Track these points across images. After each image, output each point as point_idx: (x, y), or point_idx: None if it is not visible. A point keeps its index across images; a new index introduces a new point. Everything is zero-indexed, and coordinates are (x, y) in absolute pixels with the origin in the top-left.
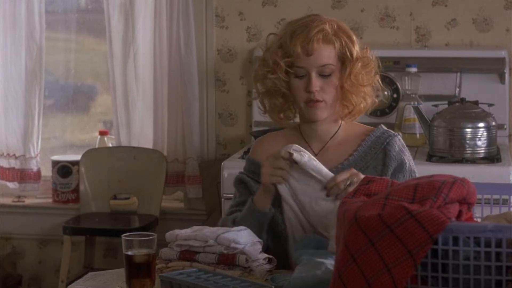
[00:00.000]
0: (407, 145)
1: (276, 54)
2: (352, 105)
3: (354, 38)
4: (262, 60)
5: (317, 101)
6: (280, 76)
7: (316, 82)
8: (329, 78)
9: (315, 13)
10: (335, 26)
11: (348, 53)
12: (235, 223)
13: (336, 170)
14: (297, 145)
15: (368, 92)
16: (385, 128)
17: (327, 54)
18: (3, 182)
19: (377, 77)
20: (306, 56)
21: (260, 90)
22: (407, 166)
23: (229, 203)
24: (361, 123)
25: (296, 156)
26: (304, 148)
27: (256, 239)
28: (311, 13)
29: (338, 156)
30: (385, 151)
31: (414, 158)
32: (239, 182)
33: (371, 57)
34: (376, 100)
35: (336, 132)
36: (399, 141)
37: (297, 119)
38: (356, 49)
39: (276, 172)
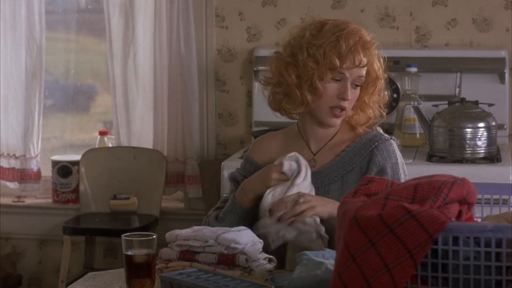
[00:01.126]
0: (407, 145)
1: (332, 52)
2: (369, 118)
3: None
4: (310, 56)
5: (343, 110)
6: (327, 76)
7: (350, 91)
8: (356, 89)
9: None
10: (372, 42)
11: (377, 71)
12: (217, 219)
13: (323, 169)
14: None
15: (382, 108)
16: (380, 131)
17: (365, 68)
18: (3, 182)
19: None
20: (357, 67)
21: (288, 79)
22: (389, 174)
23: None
24: None
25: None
26: (303, 148)
27: (256, 239)
28: (311, 13)
29: (329, 156)
30: (371, 154)
31: (414, 158)
32: (233, 180)
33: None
34: (385, 116)
35: (335, 134)
36: (389, 145)
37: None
38: (382, 67)
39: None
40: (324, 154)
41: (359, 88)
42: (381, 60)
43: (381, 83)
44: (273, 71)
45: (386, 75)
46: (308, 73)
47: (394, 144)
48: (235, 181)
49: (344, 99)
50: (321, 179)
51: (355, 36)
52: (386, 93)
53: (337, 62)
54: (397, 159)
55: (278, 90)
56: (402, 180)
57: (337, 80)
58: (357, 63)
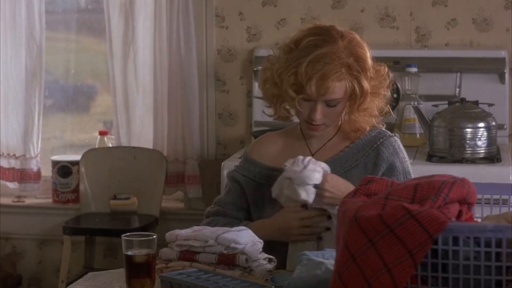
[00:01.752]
0: (407, 145)
1: (288, 83)
2: (359, 130)
3: (368, 63)
4: (269, 79)
5: (318, 125)
6: (289, 105)
7: (321, 112)
8: (335, 107)
9: (330, 28)
10: (351, 59)
11: (358, 90)
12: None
13: (326, 163)
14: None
15: (376, 115)
16: (383, 128)
17: (337, 90)
18: (3, 182)
19: (388, 99)
20: (318, 95)
21: (269, 92)
22: (400, 169)
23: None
24: None
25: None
26: (303, 148)
27: (256, 239)
28: (311, 13)
29: (332, 151)
30: (378, 150)
31: (414, 158)
32: (232, 179)
33: (385, 76)
34: (383, 124)
35: (336, 133)
36: (394, 142)
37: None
38: (367, 80)
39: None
40: (324, 152)
41: (338, 106)
42: (369, 69)
43: (367, 99)
44: (260, 78)
45: (385, 76)
46: (275, 95)
47: (398, 140)
48: (235, 180)
49: (312, 119)
50: None
51: (317, 64)
52: (387, 99)
53: (293, 94)
54: (404, 154)
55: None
56: (412, 173)
57: (307, 100)
58: (310, 95)
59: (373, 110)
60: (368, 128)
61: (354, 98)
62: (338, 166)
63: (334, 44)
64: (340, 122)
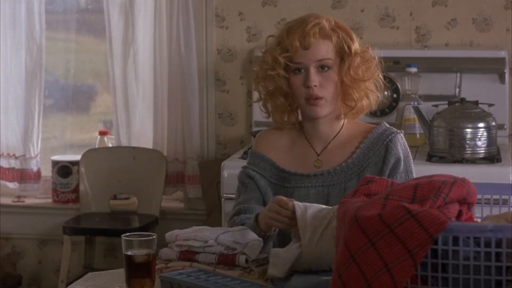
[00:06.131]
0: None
1: (275, 51)
2: (354, 101)
3: (354, 35)
4: (261, 61)
5: (317, 98)
6: (280, 72)
7: (315, 77)
8: (328, 73)
9: (313, 13)
10: (333, 23)
11: (346, 48)
12: None
13: (339, 168)
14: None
15: (370, 88)
16: (387, 125)
17: (324, 49)
18: (3, 182)
19: (379, 73)
20: (304, 50)
21: (262, 92)
22: (402, 168)
23: (230, 203)
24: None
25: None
26: (307, 148)
27: (256, 238)
28: (311, 13)
29: (341, 155)
30: (387, 147)
31: (414, 158)
32: (246, 176)
33: (372, 54)
34: (379, 96)
35: (339, 131)
36: (401, 138)
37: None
38: (355, 45)
39: (279, 218)
40: (332, 152)
41: (331, 71)
42: (354, 38)
43: (356, 59)
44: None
45: (373, 54)
46: (269, 78)
47: (403, 137)
48: (248, 176)
49: (308, 87)
50: (336, 177)
51: (296, 24)
52: (377, 72)
53: (281, 58)
54: (408, 152)
55: (262, 105)
56: (414, 172)
57: (298, 70)
58: (295, 50)
59: (364, 75)
60: (364, 104)
61: (344, 59)
62: (351, 169)
63: (316, 15)
64: (343, 122)
